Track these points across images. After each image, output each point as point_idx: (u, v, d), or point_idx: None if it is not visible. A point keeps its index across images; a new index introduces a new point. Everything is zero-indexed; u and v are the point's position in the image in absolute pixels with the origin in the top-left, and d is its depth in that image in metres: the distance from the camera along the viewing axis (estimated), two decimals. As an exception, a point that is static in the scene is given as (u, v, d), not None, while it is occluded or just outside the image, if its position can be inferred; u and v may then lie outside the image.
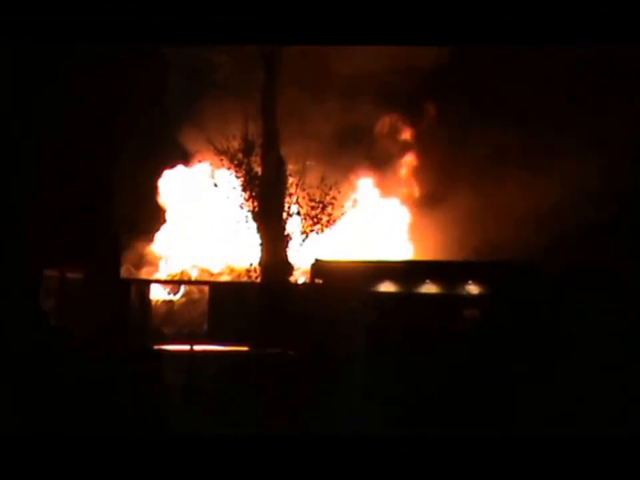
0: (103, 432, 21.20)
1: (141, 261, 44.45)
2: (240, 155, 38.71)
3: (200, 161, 43.73)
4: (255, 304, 37.69)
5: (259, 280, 38.16)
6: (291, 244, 38.40)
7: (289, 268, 38.27)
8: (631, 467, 18.21)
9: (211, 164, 41.10)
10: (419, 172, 45.74)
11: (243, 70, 41.93)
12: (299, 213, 38.77)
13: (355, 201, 45.30)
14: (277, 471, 17.92)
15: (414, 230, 45.40)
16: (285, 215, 38.51)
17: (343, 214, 39.89)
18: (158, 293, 42.71)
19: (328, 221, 38.98)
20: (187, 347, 35.87)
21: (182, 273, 44.93)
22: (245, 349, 35.86)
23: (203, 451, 18.67)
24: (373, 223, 45.28)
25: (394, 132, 46.46)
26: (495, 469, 18.24)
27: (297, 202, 38.74)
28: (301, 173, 38.94)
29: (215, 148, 39.03)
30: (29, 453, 18.35)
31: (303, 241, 38.72)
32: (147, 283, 42.44)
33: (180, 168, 45.88)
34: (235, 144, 38.67)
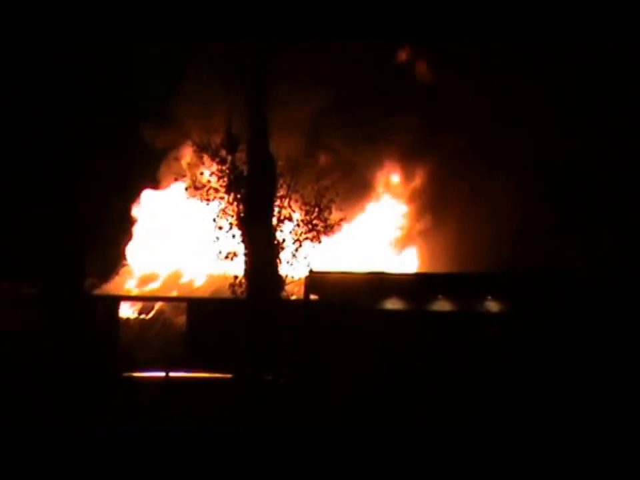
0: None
1: (108, 274, 39.54)
2: (223, 151, 33.90)
3: (176, 159, 38.70)
4: (241, 323, 33.07)
5: (245, 295, 33.37)
6: (282, 253, 33.64)
7: (279, 281, 33.58)
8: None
9: (190, 162, 36.08)
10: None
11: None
12: (290, 218, 33.93)
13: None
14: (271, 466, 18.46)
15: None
16: (274, 220, 33.80)
17: (342, 219, 34.79)
18: (128, 311, 38.00)
19: (325, 227, 34.12)
20: (161, 374, 32.99)
21: (156, 288, 40.09)
22: (229, 375, 32.49)
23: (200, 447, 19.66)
24: (376, 230, 40.93)
25: None
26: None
27: (289, 205, 33.94)
28: (294, 172, 34.08)
29: (195, 143, 34.32)
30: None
31: (296, 249, 33.82)
32: (116, 299, 37.68)
33: (155, 168, 41.08)
34: (217, 138, 33.84)
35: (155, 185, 41.62)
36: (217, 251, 33.69)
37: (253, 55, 34.45)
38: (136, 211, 41.47)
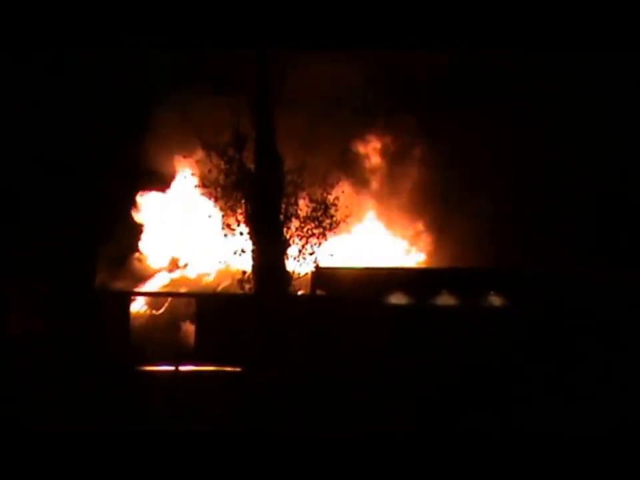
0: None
1: (119, 270, 39.91)
2: (230, 150, 34.45)
3: (185, 157, 38.96)
4: (249, 318, 33.55)
5: (253, 291, 33.96)
6: (288, 250, 34.22)
7: (286, 276, 34.09)
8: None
9: (198, 161, 36.51)
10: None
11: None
12: (297, 215, 34.44)
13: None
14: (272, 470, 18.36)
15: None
16: (281, 217, 34.35)
17: (347, 216, 35.27)
18: (139, 306, 38.33)
19: (331, 224, 34.62)
20: (171, 368, 33.38)
21: (167, 284, 40.47)
22: (238, 369, 32.86)
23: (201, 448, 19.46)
24: (379, 226, 41.26)
25: None
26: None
27: (296, 202, 34.46)
28: (300, 170, 34.55)
29: (203, 142, 34.78)
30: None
31: (303, 246, 34.36)
32: (127, 295, 38.04)
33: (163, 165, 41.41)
34: (225, 137, 34.46)
35: (164, 182, 41.93)
36: (226, 248, 34.21)
37: (257, 57, 35.06)
38: (145, 208, 41.81)
